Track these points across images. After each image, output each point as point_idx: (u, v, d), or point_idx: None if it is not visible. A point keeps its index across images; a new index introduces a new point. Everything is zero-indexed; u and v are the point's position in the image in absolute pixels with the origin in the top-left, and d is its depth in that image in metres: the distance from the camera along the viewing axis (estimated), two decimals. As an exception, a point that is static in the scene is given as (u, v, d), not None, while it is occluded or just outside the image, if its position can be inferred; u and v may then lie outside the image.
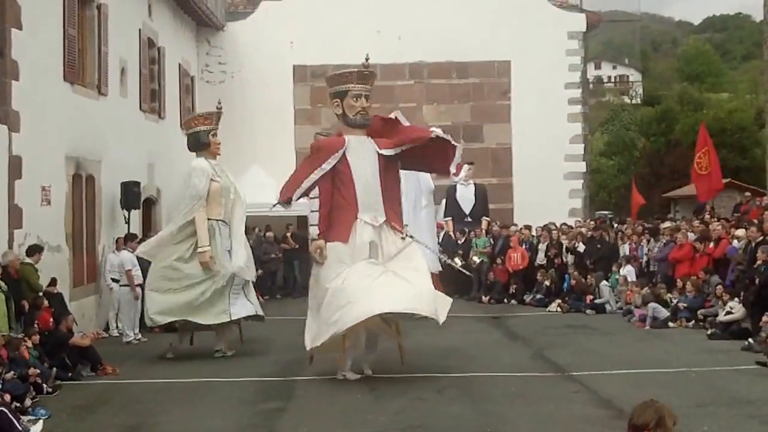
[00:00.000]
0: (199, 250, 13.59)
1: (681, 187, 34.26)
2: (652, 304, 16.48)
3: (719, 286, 15.78)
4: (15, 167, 13.31)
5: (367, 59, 12.59)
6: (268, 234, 22.81)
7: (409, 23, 25.17)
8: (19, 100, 13.47)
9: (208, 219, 13.76)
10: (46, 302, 12.91)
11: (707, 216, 19.68)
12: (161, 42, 21.67)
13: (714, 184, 21.80)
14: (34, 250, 13.27)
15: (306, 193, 12.31)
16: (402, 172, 13.40)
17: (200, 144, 14.39)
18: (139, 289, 15.60)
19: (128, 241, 16.11)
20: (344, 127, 12.63)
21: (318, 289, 12.04)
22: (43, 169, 14.34)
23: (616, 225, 23.27)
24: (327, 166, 12.12)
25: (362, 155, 12.33)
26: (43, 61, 14.58)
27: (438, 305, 11.78)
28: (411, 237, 12.50)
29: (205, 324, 13.88)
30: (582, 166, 26.18)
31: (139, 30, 20.07)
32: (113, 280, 16.05)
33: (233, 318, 13.89)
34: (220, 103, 15.04)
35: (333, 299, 11.54)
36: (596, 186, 43.48)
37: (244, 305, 14.04)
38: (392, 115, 13.73)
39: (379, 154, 12.37)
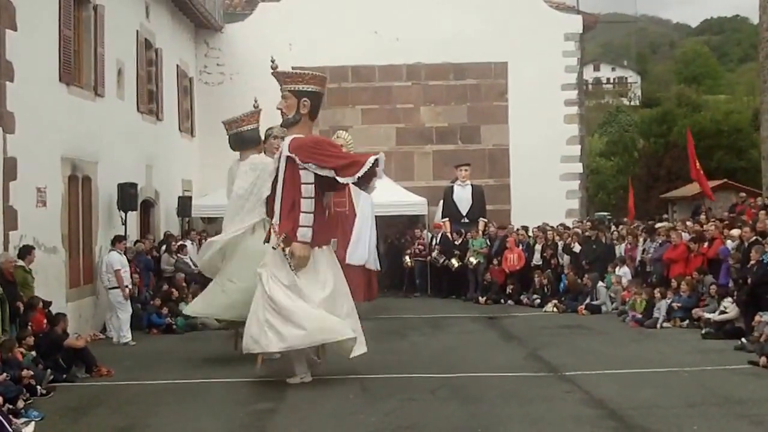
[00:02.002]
0: None
1: (678, 188, 34.30)
2: (663, 302, 16.55)
3: (713, 286, 15.85)
4: (10, 168, 13.30)
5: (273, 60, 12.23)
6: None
7: (407, 25, 25.20)
8: (14, 101, 13.44)
9: None
10: (40, 304, 12.93)
11: (702, 217, 19.73)
12: (159, 43, 21.68)
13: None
14: (25, 252, 13.23)
15: None
16: None
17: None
18: (128, 290, 15.67)
19: (117, 242, 16.11)
20: (304, 127, 12.24)
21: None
22: (39, 170, 14.33)
23: (613, 226, 23.31)
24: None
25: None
26: (38, 63, 14.58)
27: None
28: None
29: None
30: (579, 167, 26.20)
31: (137, 31, 20.08)
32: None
33: None
34: (256, 101, 14.89)
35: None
36: (595, 187, 43.54)
37: None
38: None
39: (287, 157, 12.09)
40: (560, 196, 25.61)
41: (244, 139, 14.28)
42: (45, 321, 12.85)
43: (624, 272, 18.92)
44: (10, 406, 9.86)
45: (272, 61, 12.15)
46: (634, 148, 47.29)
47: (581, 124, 26.49)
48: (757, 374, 11.71)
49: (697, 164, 22.71)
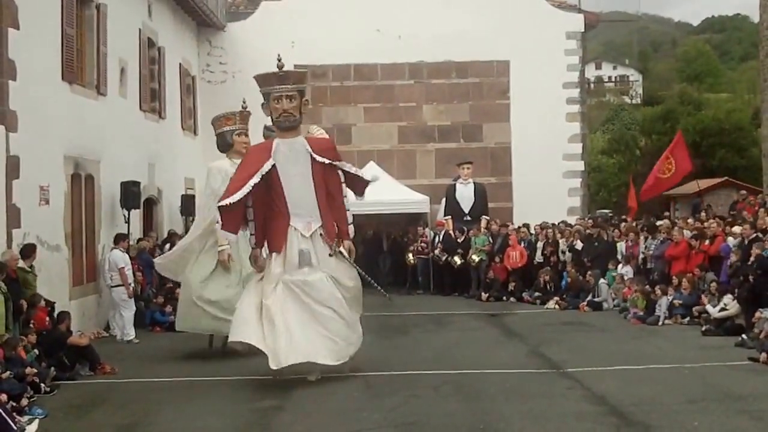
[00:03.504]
0: (218, 249, 13.43)
1: (680, 185, 34.29)
2: (664, 299, 16.59)
3: (714, 283, 15.88)
4: (13, 167, 13.33)
5: (279, 59, 12.07)
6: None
7: (409, 23, 25.20)
8: (17, 100, 13.47)
9: None
10: (42, 302, 12.96)
11: (703, 214, 19.76)
12: (161, 42, 21.71)
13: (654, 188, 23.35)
14: (28, 252, 13.19)
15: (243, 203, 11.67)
16: None
17: (226, 144, 14.55)
18: (131, 288, 15.72)
19: (119, 240, 16.15)
20: (276, 130, 12.35)
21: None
22: (42, 168, 14.36)
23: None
24: (256, 178, 11.60)
25: (291, 159, 11.95)
26: (41, 61, 14.60)
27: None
28: (341, 253, 12.10)
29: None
30: (580, 165, 26.22)
31: (139, 30, 20.11)
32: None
33: None
34: (244, 102, 14.80)
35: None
36: (597, 185, 43.49)
37: None
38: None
39: (313, 159, 12.01)
40: (562, 194, 25.62)
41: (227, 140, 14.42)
42: (47, 319, 12.88)
43: (626, 271, 18.95)
44: (14, 404, 9.91)
45: (279, 60, 12.14)
46: (635, 146, 47.28)
47: (583, 122, 26.50)
48: (757, 371, 11.76)
49: (663, 166, 22.50)
